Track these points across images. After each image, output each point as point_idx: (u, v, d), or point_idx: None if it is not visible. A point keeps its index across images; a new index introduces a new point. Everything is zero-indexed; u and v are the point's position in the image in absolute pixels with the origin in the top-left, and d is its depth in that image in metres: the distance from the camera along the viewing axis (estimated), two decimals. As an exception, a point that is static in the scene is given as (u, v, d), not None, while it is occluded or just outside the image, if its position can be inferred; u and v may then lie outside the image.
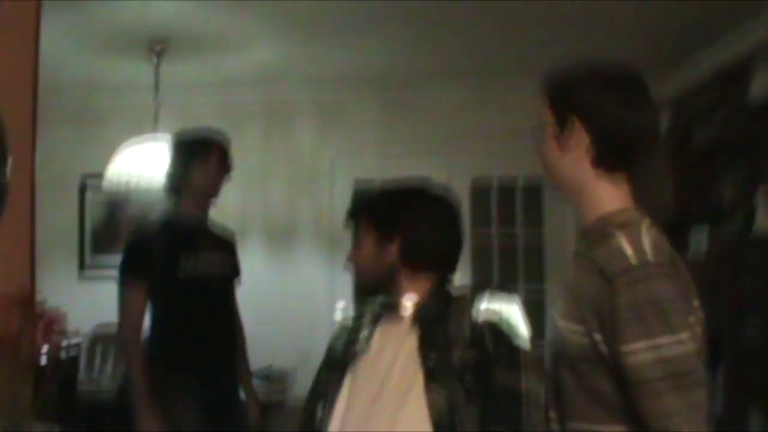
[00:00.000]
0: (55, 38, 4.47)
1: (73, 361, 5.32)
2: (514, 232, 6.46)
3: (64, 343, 4.96)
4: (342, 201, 6.08)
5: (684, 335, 1.62)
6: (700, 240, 5.23)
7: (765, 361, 4.27)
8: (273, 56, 5.34)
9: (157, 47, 4.95)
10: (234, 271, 3.89)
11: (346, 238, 2.51)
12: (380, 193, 2.50)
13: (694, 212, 5.22)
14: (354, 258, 2.34)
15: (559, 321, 1.82)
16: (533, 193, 6.40)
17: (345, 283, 5.63)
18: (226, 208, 6.10)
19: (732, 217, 4.77)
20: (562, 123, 1.83)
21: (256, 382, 5.44)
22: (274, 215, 6.22)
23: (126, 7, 4.34)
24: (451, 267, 2.31)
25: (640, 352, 1.61)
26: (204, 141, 3.73)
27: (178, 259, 3.53)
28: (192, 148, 3.69)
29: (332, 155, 6.33)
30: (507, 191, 6.46)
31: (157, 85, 5.05)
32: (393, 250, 2.23)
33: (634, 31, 4.99)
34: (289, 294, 6.13)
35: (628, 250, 1.68)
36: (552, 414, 1.87)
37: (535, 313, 6.22)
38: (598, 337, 1.69)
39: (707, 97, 5.26)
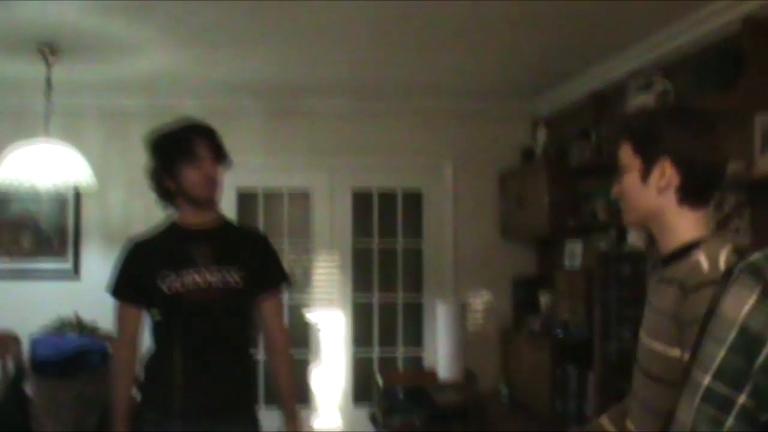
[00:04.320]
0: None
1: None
2: (394, 241, 6.65)
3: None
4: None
5: None
6: (575, 252, 5.55)
7: (626, 370, 4.60)
8: (162, 63, 5.30)
9: (48, 49, 4.83)
10: (253, 286, 3.17)
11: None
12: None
13: (569, 227, 5.52)
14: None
15: (647, 339, 2.01)
16: (413, 206, 6.63)
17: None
18: (111, 215, 6.19)
19: (605, 232, 5.09)
20: (650, 165, 1.98)
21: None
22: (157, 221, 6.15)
23: (19, 6, 4.21)
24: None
25: None
26: (189, 138, 3.12)
27: (155, 278, 3.05)
28: (175, 149, 3.11)
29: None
30: (388, 201, 6.65)
31: (48, 87, 4.95)
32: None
33: (513, 54, 5.23)
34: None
35: (705, 265, 1.85)
36: (630, 426, 2.10)
37: (413, 319, 6.50)
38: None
39: (582, 120, 5.59)
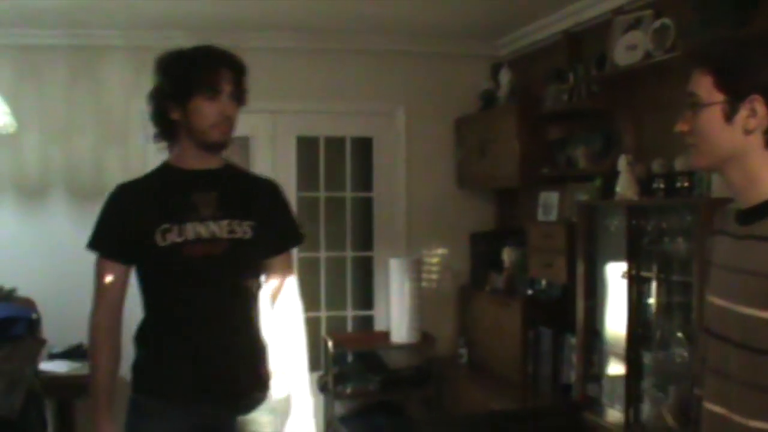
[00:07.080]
0: None
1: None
2: (343, 191, 6.15)
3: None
4: (157, 156, 5.52)
5: None
6: (550, 204, 5.14)
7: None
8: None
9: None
10: (265, 241, 2.72)
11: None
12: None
13: (542, 177, 5.11)
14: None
15: (742, 308, 1.72)
16: (363, 154, 6.13)
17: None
18: (25, 164, 5.48)
19: (584, 182, 4.70)
20: (737, 103, 1.73)
21: (65, 362, 4.87)
22: (80, 171, 5.51)
23: None
24: None
25: None
26: (211, 65, 2.64)
27: (147, 228, 2.59)
28: (193, 74, 2.62)
29: (145, 107, 5.67)
30: (336, 149, 6.11)
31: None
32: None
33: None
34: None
35: None
36: (717, 408, 1.82)
37: (363, 277, 6.01)
38: None
39: (553, 61, 5.17)
